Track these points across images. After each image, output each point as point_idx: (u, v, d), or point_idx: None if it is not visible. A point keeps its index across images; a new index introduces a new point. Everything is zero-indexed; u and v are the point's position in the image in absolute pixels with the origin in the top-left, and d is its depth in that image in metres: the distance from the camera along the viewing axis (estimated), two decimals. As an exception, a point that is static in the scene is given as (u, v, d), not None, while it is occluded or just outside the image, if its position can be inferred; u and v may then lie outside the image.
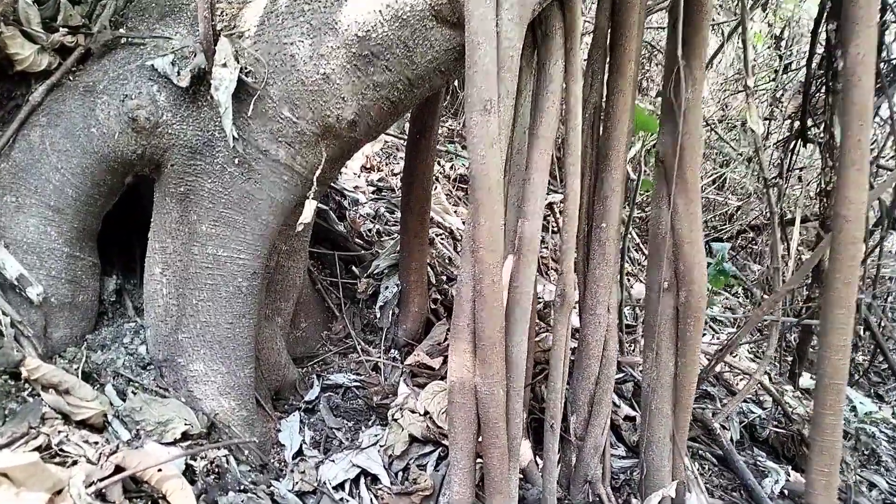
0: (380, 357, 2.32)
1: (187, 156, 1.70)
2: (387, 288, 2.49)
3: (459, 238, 3.21)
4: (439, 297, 2.63)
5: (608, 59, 2.03)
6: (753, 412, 3.31)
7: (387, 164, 4.30)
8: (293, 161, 1.75)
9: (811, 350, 3.57)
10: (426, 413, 1.97)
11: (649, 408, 2.09)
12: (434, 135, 2.42)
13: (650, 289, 2.04)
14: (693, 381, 2.05)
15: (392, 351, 2.40)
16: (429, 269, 2.60)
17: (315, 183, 1.59)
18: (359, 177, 3.74)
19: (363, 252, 2.65)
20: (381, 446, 1.88)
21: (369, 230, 2.80)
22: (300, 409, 2.04)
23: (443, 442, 1.91)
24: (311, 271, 2.46)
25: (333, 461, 1.79)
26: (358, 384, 2.19)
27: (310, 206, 1.55)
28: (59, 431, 1.35)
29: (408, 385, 2.11)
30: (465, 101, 1.61)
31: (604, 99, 2.08)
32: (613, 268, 2.18)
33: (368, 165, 4.12)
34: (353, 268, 2.60)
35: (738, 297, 5.01)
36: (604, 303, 2.18)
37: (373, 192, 3.45)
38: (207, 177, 1.71)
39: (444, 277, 2.71)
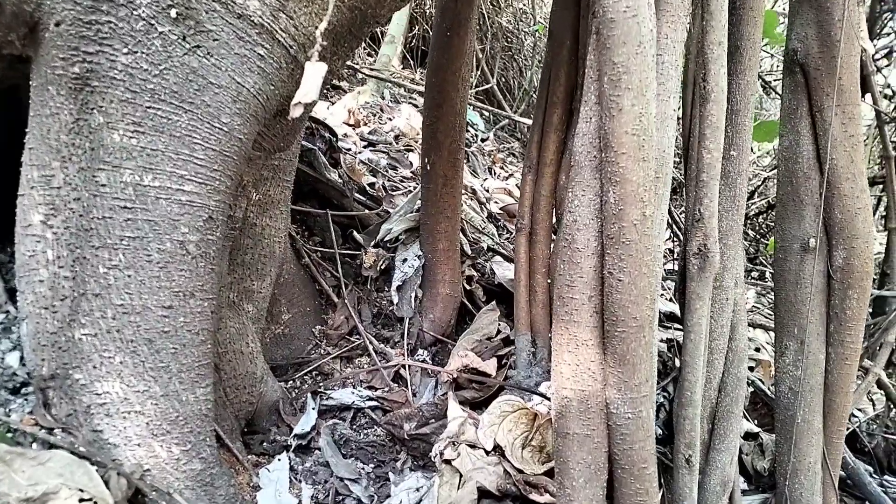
0: (403, 360, 1.60)
1: (85, 5, 0.97)
2: (405, 261, 1.80)
3: (485, 202, 2.52)
4: (475, 273, 1.92)
5: None
6: (854, 415, 2.76)
7: (374, 123, 3.60)
8: (274, 21, 1.07)
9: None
10: (496, 448, 1.28)
11: (794, 421, 1.57)
12: (470, 33, 1.73)
13: (785, 250, 1.56)
14: (852, 379, 1.56)
15: (419, 351, 1.69)
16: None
17: (320, 38, 0.87)
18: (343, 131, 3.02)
19: (367, 212, 1.94)
20: (429, 509, 1.17)
21: (371, 184, 2.08)
22: (288, 449, 1.33)
23: (531, 497, 1.21)
24: (293, 238, 1.75)
25: (355, 541, 1.08)
26: (375, 404, 1.50)
27: (313, 73, 0.84)
28: None
29: (457, 403, 1.40)
30: None
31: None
32: (741, 218, 1.57)
33: (352, 122, 3.41)
34: (355, 234, 1.89)
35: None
36: (732, 270, 1.55)
37: (364, 147, 2.73)
38: (121, 44, 1.00)
39: (483, 247, 2.01)
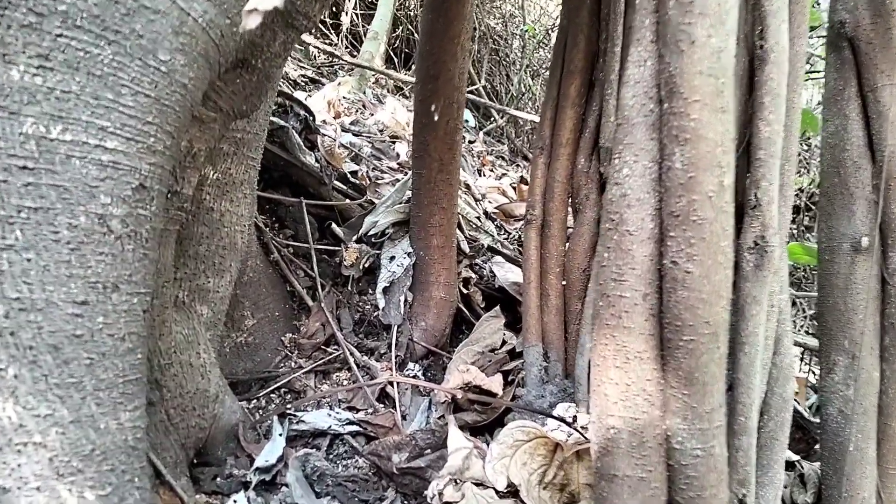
0: (390, 376, 1.36)
1: None
2: (392, 259, 1.58)
3: (480, 199, 2.30)
4: (472, 275, 1.69)
5: None
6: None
7: (355, 116, 3.38)
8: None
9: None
10: (510, 488, 1.04)
11: (845, 449, 1.40)
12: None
13: (832, 251, 1.43)
14: (909, 400, 1.38)
15: (409, 365, 1.45)
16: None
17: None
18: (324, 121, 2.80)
19: (349, 202, 1.70)
20: (426, 567, 0.93)
21: (354, 172, 1.85)
22: (248, 486, 1.12)
23: (554, 550, 0.97)
24: (260, 230, 1.51)
25: None
26: (356, 429, 1.27)
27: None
28: None
29: (458, 430, 1.17)
30: None
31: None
32: (790, 210, 1.40)
33: (332, 114, 3.19)
34: (334, 226, 1.65)
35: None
36: (778, 273, 1.37)
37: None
38: (20, -54, 0.75)
39: (482, 244, 1.78)
